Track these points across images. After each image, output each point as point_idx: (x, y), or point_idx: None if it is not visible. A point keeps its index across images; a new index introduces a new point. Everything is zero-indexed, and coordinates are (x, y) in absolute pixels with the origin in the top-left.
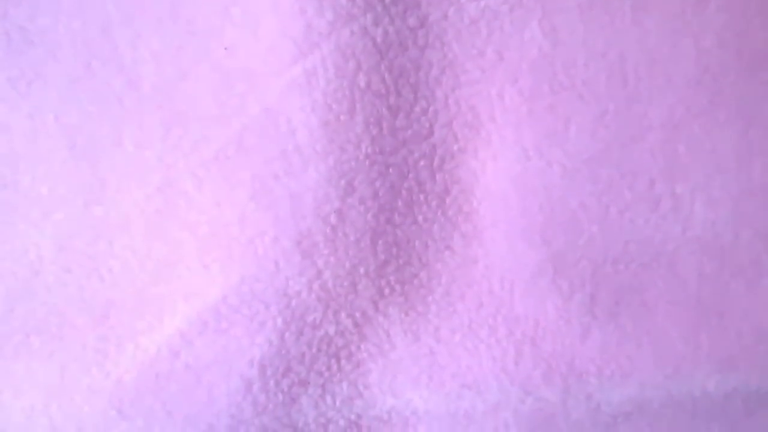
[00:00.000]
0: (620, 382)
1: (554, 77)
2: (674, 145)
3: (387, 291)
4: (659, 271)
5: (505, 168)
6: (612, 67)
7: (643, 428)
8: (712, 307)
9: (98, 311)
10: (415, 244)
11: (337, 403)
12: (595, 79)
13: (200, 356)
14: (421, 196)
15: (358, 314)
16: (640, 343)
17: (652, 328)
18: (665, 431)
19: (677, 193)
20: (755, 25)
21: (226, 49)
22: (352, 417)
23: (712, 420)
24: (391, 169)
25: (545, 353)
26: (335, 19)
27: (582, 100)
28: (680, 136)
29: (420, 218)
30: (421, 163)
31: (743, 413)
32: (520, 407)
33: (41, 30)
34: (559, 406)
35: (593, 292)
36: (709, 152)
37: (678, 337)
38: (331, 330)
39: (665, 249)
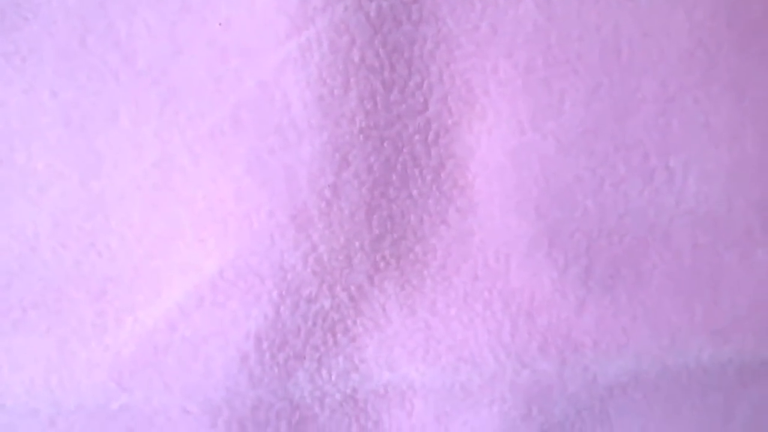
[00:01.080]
0: (616, 354)
1: (548, 51)
2: (668, 119)
3: (382, 265)
4: (654, 244)
5: (500, 142)
6: (606, 41)
7: (638, 399)
8: (706, 278)
9: (96, 286)
10: (410, 218)
11: (333, 377)
12: (589, 52)
13: (197, 329)
14: (416, 170)
15: (353, 288)
16: (635, 315)
17: (647, 300)
18: (661, 402)
19: (671, 166)
20: None
21: (220, 24)
22: (348, 391)
23: (707, 390)
24: (385, 144)
25: (541, 326)
26: None
27: (576, 74)
28: (674, 110)
29: (415, 192)
30: (416, 137)
31: (737, 383)
32: (516, 380)
33: (35, 5)
34: (555, 378)
35: (588, 265)
36: (703, 125)
37: (672, 308)
38: (327, 304)
39: (659, 221)
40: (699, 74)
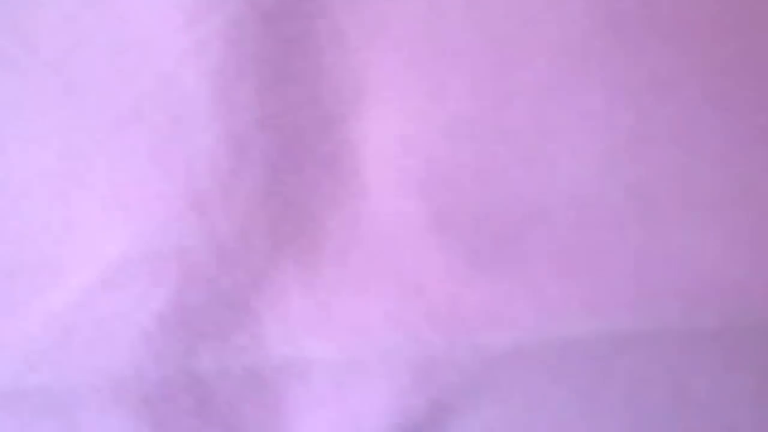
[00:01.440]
0: (500, 328)
1: (434, 45)
2: (545, 107)
3: (280, 247)
4: (535, 225)
5: (390, 130)
6: (486, 35)
7: (522, 369)
8: (583, 257)
9: (4, 271)
10: (306, 203)
11: (235, 352)
12: (472, 46)
13: (103, 310)
14: (311, 157)
15: (253, 269)
16: (518, 291)
17: (529, 277)
18: (543, 371)
19: (549, 152)
20: None
21: (120, 19)
22: (250, 365)
23: (585, 360)
24: (281, 132)
25: (431, 303)
26: None
27: (460, 67)
28: (551, 99)
29: (310, 179)
30: (310, 126)
31: (613, 353)
32: (408, 353)
33: None
34: (444, 351)
35: (474, 245)
36: (577, 114)
37: (552, 284)
38: (228, 283)
39: (539, 204)
40: (573, 66)
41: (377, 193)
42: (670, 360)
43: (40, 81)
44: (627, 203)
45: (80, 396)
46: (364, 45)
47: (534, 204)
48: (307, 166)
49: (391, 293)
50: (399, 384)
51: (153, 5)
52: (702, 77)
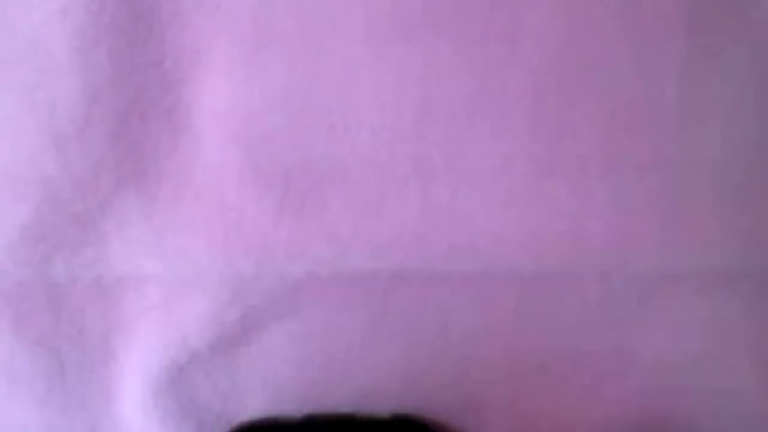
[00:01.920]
0: (299, 259)
1: (260, 26)
2: (347, 86)
3: (125, 181)
4: (334, 180)
5: (219, 94)
6: (302, 18)
7: (317, 294)
8: (371, 207)
9: None
10: (147, 148)
11: (84, 264)
12: (291, 29)
13: None
14: (153, 111)
15: (101, 198)
16: (316, 231)
17: (326, 221)
18: (333, 297)
19: (349, 124)
20: None
21: None
22: (95, 276)
23: (368, 291)
24: (129, 88)
25: (247, 236)
26: None
27: (280, 45)
28: (351, 79)
29: (152, 128)
30: (153, 85)
31: (390, 286)
32: (226, 276)
33: None
34: (256, 276)
35: (284, 193)
36: (373, 93)
37: (344, 227)
38: (80, 208)
39: (339, 164)
40: (370, 53)
41: (207, 145)
42: (436, 296)
43: None
44: (408, 166)
45: None
46: (202, 23)
47: (334, 162)
48: (150, 117)
49: (214, 226)
50: (217, 300)
51: None
52: (473, 67)
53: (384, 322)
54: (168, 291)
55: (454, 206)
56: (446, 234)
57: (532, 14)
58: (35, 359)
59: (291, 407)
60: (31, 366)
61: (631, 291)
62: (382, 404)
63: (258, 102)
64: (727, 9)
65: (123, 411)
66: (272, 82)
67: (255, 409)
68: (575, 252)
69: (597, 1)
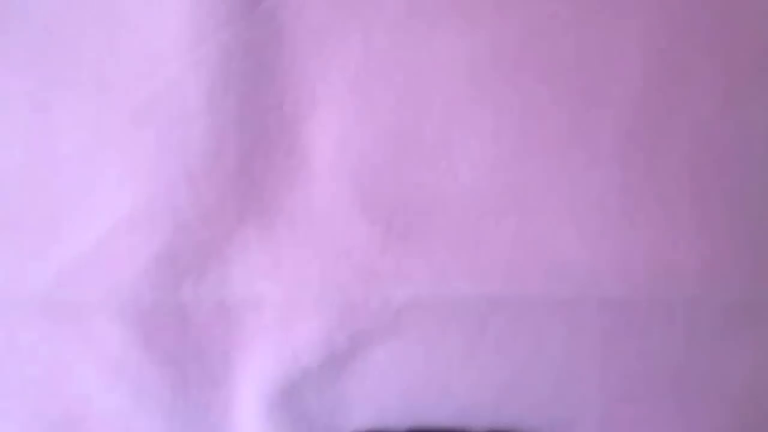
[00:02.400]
0: (404, 285)
1: (369, 69)
2: (449, 124)
3: (247, 213)
4: (435, 209)
5: (332, 133)
6: (407, 61)
7: (420, 318)
8: (469, 235)
9: (50, 214)
10: (267, 182)
11: (208, 288)
12: (397, 71)
13: (117, 249)
14: (273, 149)
15: (225, 227)
16: (420, 258)
17: (429, 249)
18: (435, 321)
19: (450, 158)
20: None
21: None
22: (218, 299)
23: (466, 314)
24: (252, 129)
25: (355, 263)
26: (217, 23)
27: (387, 87)
28: (453, 118)
29: (272, 164)
30: (274, 126)
31: (488, 311)
32: (336, 300)
33: None
34: (361, 299)
35: (390, 222)
36: (472, 129)
37: (444, 254)
38: (206, 236)
39: (440, 195)
40: (470, 93)
41: (320, 179)
42: (531, 321)
43: (81, 84)
44: (506, 198)
45: (93, 309)
46: (317, 71)
47: (437, 195)
48: (270, 155)
49: (326, 253)
50: (327, 322)
51: (168, 30)
52: (568, 106)
53: (481, 343)
54: (283, 313)
55: (548, 236)
56: (541, 262)
57: (622, 55)
58: (162, 373)
59: (394, 422)
60: (158, 379)
61: (719, 319)
62: (480, 420)
63: (367, 140)
64: None
65: (240, 422)
66: (380, 122)
67: (360, 422)
68: (665, 280)
69: (686, 42)
